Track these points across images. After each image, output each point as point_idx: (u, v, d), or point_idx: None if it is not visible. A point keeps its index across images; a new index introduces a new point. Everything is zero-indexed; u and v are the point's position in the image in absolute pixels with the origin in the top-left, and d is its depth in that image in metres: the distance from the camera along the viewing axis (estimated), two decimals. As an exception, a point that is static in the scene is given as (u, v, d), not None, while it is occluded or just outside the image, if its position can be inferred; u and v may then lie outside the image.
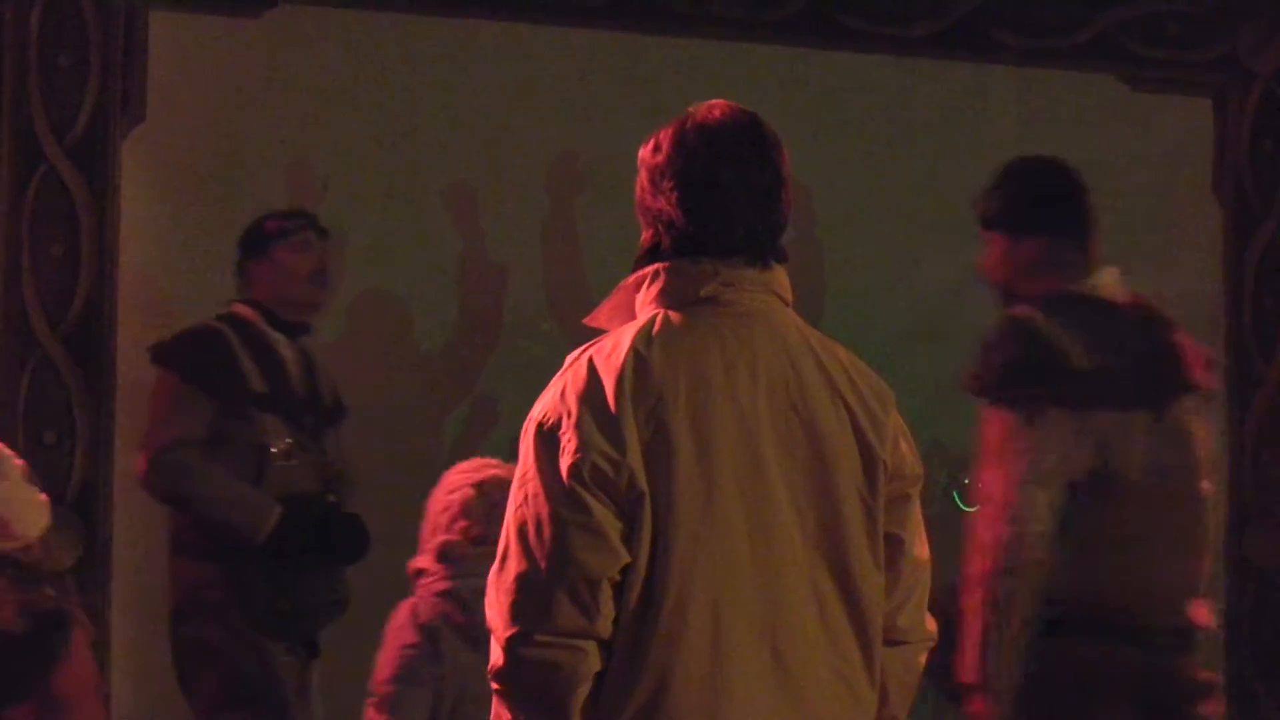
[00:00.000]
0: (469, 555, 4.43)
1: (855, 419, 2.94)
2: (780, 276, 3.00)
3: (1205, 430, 4.39)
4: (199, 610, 5.10)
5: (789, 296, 3.02)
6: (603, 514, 2.78)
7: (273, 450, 5.08)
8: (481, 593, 4.28)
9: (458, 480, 4.53)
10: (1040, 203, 4.39)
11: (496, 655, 2.86)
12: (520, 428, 5.92)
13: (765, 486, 2.86)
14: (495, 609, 2.85)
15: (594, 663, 2.80)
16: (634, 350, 2.83)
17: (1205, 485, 4.36)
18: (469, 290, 6.05)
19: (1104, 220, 6.48)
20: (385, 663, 4.43)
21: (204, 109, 5.74)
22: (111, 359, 5.53)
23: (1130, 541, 4.18)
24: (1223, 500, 6.50)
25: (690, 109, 2.99)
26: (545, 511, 2.79)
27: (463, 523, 4.48)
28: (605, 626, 2.79)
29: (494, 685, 2.88)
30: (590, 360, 2.86)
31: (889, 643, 2.97)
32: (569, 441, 2.79)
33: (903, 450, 3.00)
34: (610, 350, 2.86)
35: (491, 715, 2.92)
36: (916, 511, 3.03)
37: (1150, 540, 4.20)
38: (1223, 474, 6.54)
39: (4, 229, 5.48)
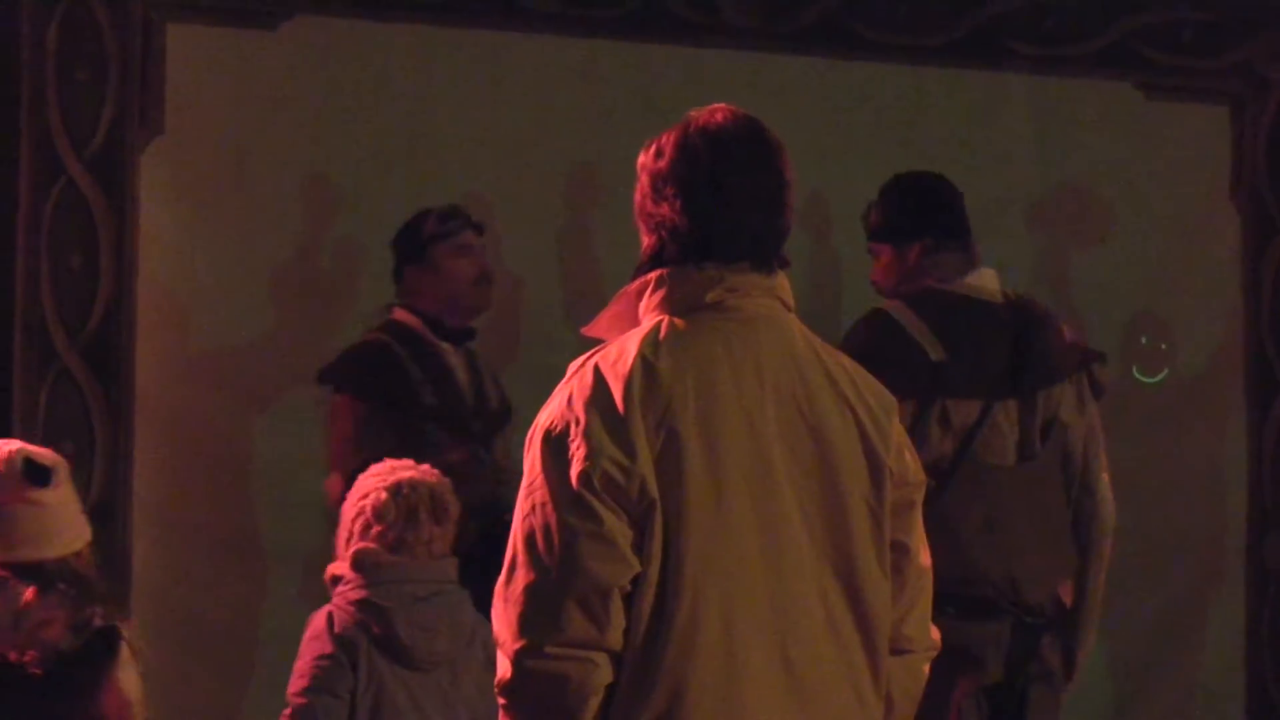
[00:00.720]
0: (385, 563, 4.34)
1: (861, 426, 2.93)
2: (784, 282, 3.00)
3: (1085, 421, 4.56)
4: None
5: (792, 302, 3.02)
6: (613, 522, 2.76)
7: (449, 463, 4.78)
8: (401, 600, 4.31)
9: (371, 484, 4.41)
10: (919, 211, 4.71)
11: (504, 668, 2.82)
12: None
13: (774, 494, 2.85)
14: (503, 621, 2.81)
15: (605, 675, 2.78)
16: (641, 357, 2.83)
17: (1104, 477, 4.63)
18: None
19: (1121, 228, 6.54)
20: (300, 673, 4.34)
21: (222, 121, 5.76)
22: (130, 370, 5.55)
23: (996, 525, 4.38)
24: (1241, 507, 6.51)
25: (692, 114, 3.02)
26: (554, 520, 2.77)
27: (377, 528, 4.37)
28: (616, 638, 2.77)
29: (501, 700, 2.84)
30: (596, 367, 2.85)
31: (894, 651, 2.97)
32: (578, 449, 2.77)
33: (907, 458, 2.99)
34: (616, 357, 2.85)
35: None
36: (920, 519, 3.02)
37: (1016, 524, 4.40)
38: (1241, 481, 6.55)
39: (23, 241, 5.50)
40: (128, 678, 3.09)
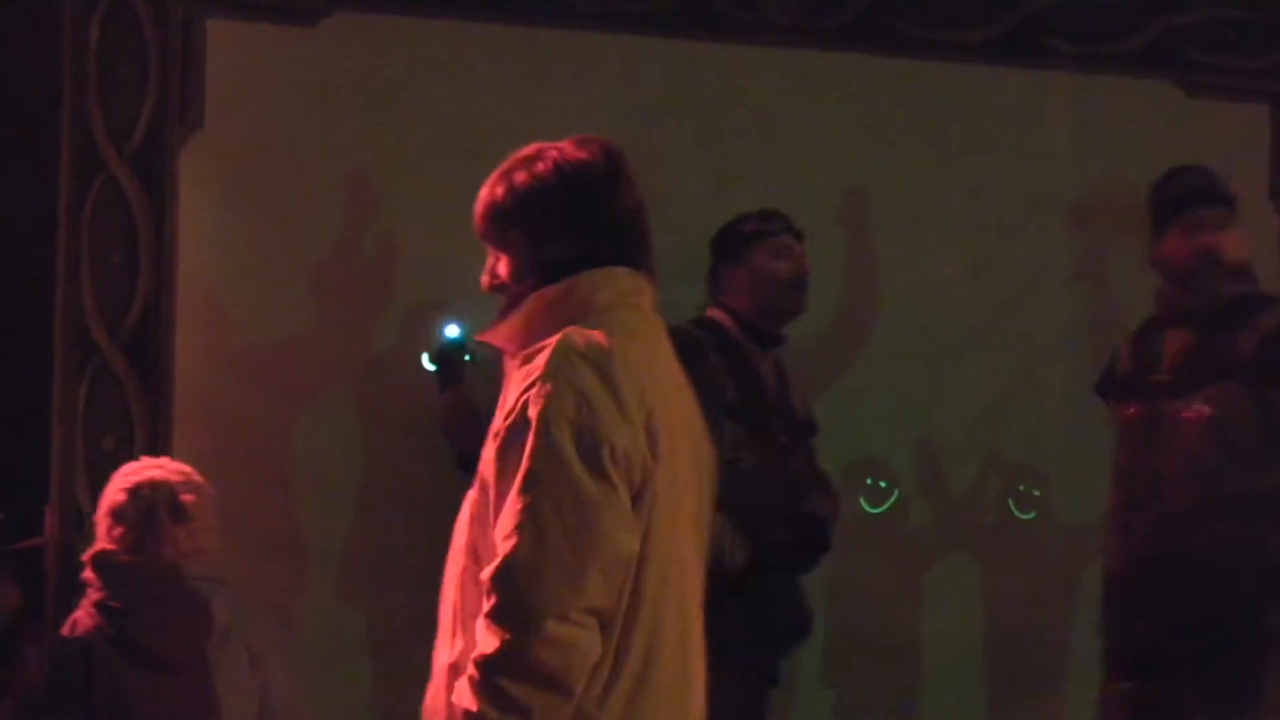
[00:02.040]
0: (121, 564, 4.36)
1: (700, 422, 3.20)
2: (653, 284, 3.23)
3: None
4: None
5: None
6: (626, 495, 2.92)
7: (740, 464, 4.78)
8: (137, 601, 4.29)
9: (115, 484, 4.44)
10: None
11: (498, 640, 2.87)
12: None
13: (689, 475, 3.08)
14: (511, 591, 2.87)
15: (600, 642, 2.92)
16: (614, 344, 2.99)
17: None
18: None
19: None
20: (39, 675, 4.37)
21: (261, 117, 5.77)
22: (169, 366, 5.56)
23: None
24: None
25: (562, 144, 3.18)
26: (577, 493, 2.88)
27: (118, 530, 4.40)
28: (615, 606, 2.93)
29: (483, 675, 2.87)
30: (580, 352, 2.97)
31: None
32: (590, 425, 2.91)
33: None
34: (590, 345, 2.98)
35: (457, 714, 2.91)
36: None
37: None
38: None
39: (64, 237, 5.51)
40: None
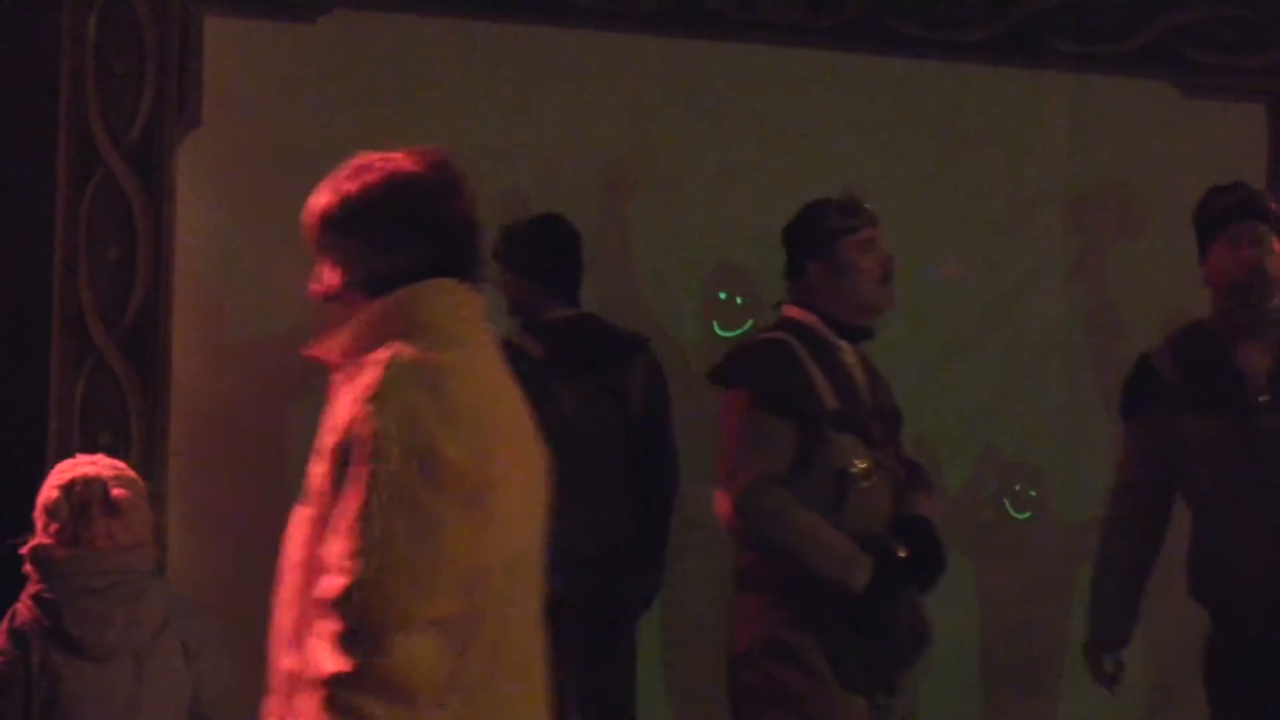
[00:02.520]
0: (57, 557, 4.46)
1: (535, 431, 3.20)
2: (485, 298, 3.21)
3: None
4: (784, 654, 4.57)
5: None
6: (462, 508, 2.92)
7: (852, 472, 4.61)
8: (72, 593, 4.39)
9: (50, 480, 4.56)
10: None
11: (353, 657, 2.87)
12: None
13: (525, 489, 3.11)
14: (357, 610, 2.87)
15: (444, 650, 2.92)
16: (443, 359, 2.98)
17: None
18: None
19: (1158, 226, 6.52)
20: None
21: (259, 113, 5.77)
22: (167, 362, 5.56)
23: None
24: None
25: (394, 154, 3.20)
26: (413, 509, 2.88)
27: (53, 525, 4.50)
28: (455, 615, 2.93)
29: (339, 694, 2.87)
30: (409, 368, 2.96)
31: None
32: (422, 441, 2.90)
33: None
34: (422, 358, 2.97)
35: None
36: None
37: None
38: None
39: (61, 232, 5.51)
40: None
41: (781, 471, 4.52)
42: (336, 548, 2.91)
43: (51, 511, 4.52)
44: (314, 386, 5.60)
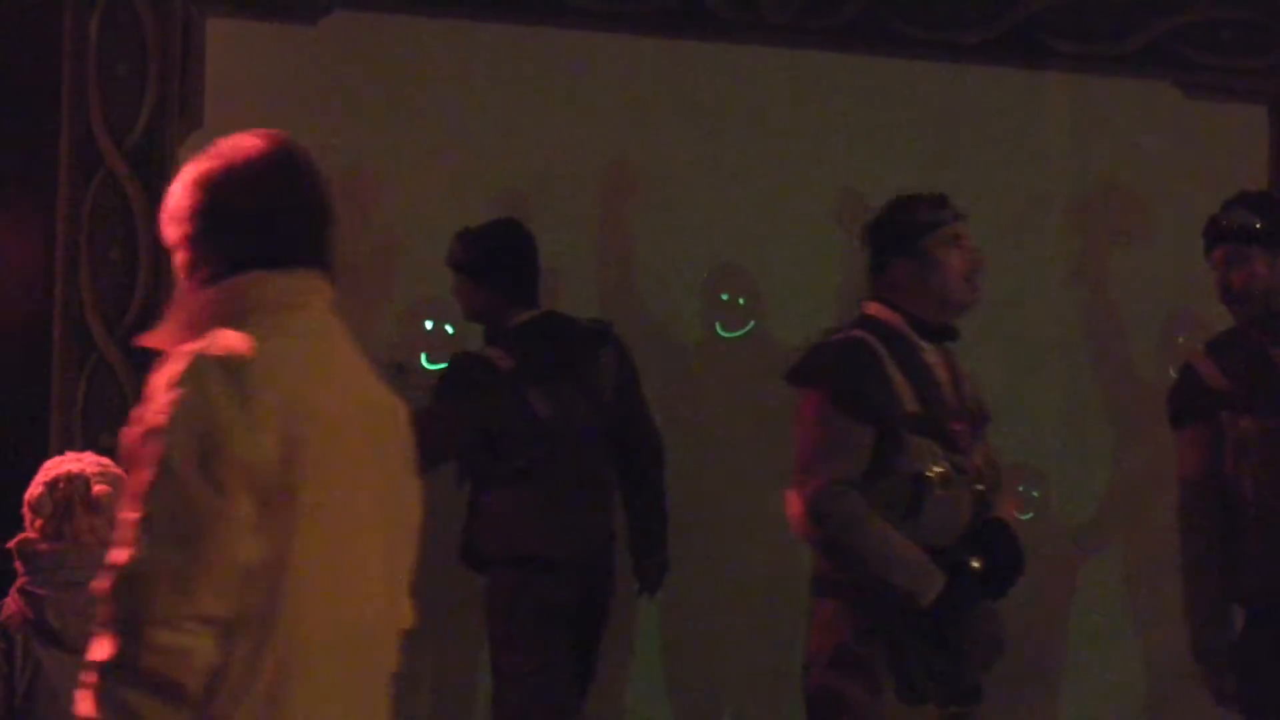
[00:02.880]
0: (42, 551, 4.58)
1: (397, 424, 3.13)
2: (332, 285, 3.14)
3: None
4: (847, 663, 4.43)
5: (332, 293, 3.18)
6: (247, 505, 2.86)
7: (929, 478, 4.41)
8: (55, 587, 4.46)
9: (37, 477, 4.66)
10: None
11: (117, 648, 2.85)
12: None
13: (364, 486, 3.01)
14: (123, 600, 2.85)
15: (219, 650, 2.88)
16: (256, 350, 2.92)
17: None
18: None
19: (1159, 227, 6.52)
20: None
21: (260, 115, 5.72)
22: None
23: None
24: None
25: (231, 140, 3.06)
26: (186, 503, 2.84)
27: (38, 520, 4.62)
28: (234, 613, 2.89)
29: (102, 680, 2.87)
30: (214, 360, 2.90)
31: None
32: (207, 433, 2.85)
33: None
34: (228, 352, 2.91)
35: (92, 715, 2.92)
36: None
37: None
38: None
39: (63, 233, 5.53)
40: None
41: (856, 476, 4.37)
42: (117, 536, 2.89)
43: (36, 507, 4.63)
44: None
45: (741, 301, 6.25)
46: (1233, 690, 5.19)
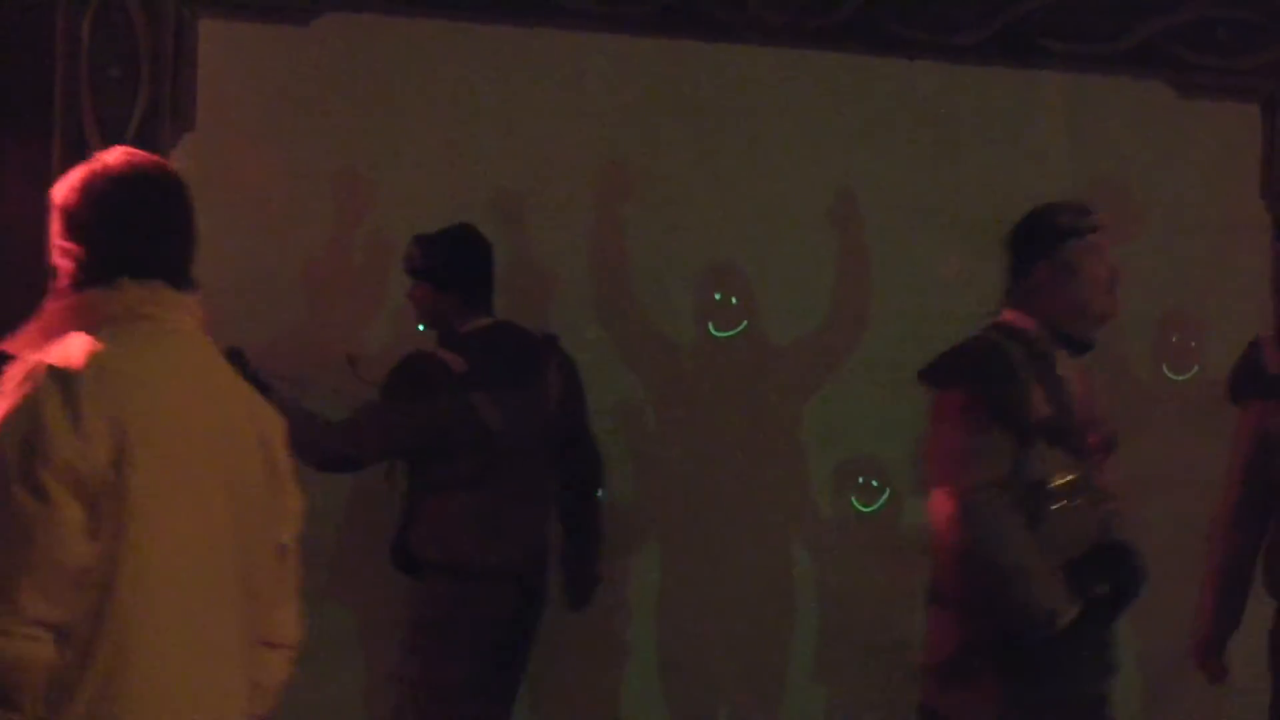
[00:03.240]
0: None
1: (262, 436, 3.21)
2: (196, 300, 3.27)
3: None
4: (963, 675, 4.37)
5: (202, 318, 3.28)
6: (74, 510, 2.92)
7: (1054, 489, 4.34)
8: None
9: None
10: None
11: None
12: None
13: (206, 490, 3.09)
14: None
15: (52, 653, 2.93)
16: (90, 358, 3.00)
17: None
18: (516, 297, 6.07)
19: (1152, 226, 6.53)
20: None
21: (253, 116, 5.78)
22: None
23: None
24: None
25: (101, 157, 3.25)
26: (9, 508, 2.91)
27: None
28: (65, 616, 2.93)
29: None
30: (51, 367, 2.99)
31: (270, 645, 3.26)
32: (33, 439, 2.92)
33: (288, 470, 3.27)
34: (67, 359, 3.01)
35: None
36: (298, 524, 3.30)
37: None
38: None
39: (56, 236, 5.52)
40: None
41: (1001, 480, 4.27)
42: None
43: None
44: (308, 387, 5.66)
45: (734, 301, 6.25)
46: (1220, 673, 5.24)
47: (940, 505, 4.31)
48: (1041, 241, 4.55)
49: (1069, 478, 4.36)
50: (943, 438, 4.39)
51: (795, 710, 6.25)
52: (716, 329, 6.25)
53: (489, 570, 5.36)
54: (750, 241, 6.20)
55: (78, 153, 5.53)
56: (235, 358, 5.45)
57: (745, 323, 6.25)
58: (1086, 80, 6.45)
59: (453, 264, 5.51)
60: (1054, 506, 4.32)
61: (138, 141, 5.58)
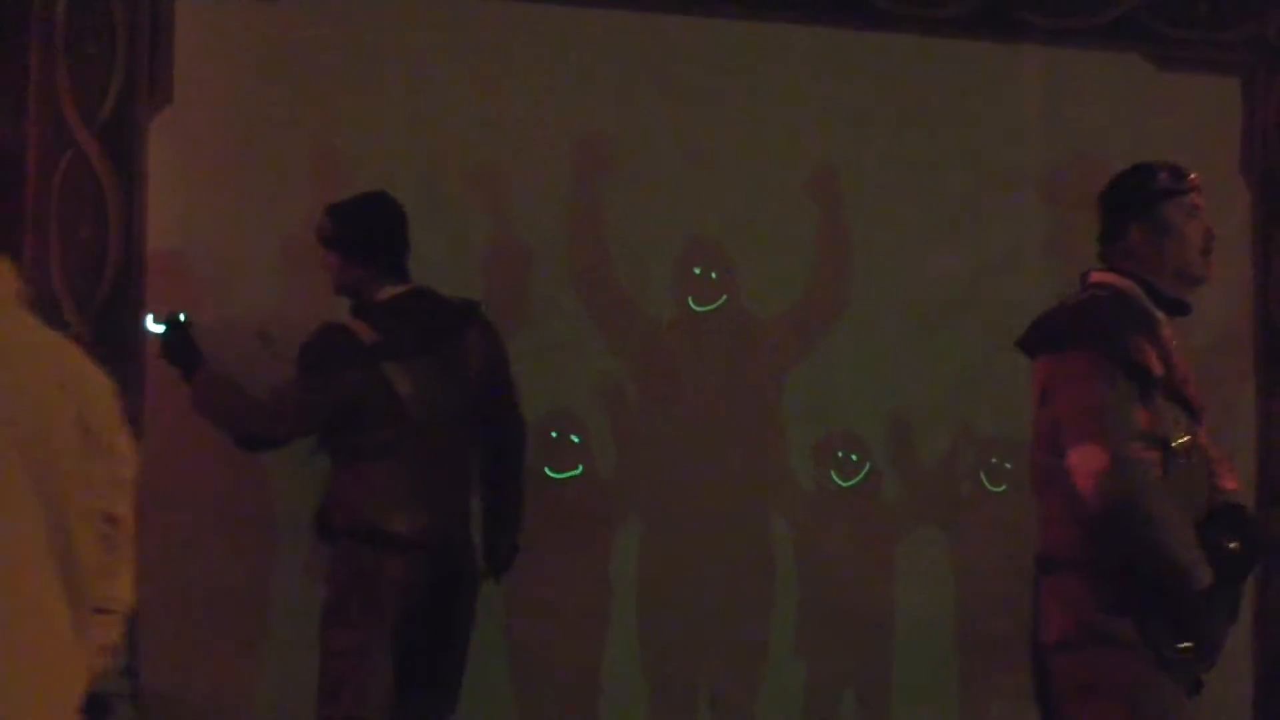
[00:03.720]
0: None
1: (80, 404, 3.17)
2: (7, 267, 3.26)
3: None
4: (1101, 640, 4.24)
5: (17, 286, 3.26)
6: None
7: (1174, 445, 4.23)
8: None
9: None
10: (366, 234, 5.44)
11: None
12: (547, 407, 5.93)
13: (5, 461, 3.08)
14: None
15: None
16: None
17: None
18: (495, 272, 6.06)
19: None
20: None
21: (231, 91, 5.76)
22: (140, 341, 5.55)
23: None
24: (1249, 478, 6.50)
25: None
26: None
27: None
28: None
29: None
30: None
31: (99, 610, 3.25)
32: None
33: (122, 438, 3.26)
34: None
35: None
36: (130, 491, 3.28)
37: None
38: (1250, 453, 6.54)
39: (32, 212, 5.50)
40: None
41: (1144, 436, 4.17)
42: None
43: None
44: (287, 364, 5.66)
45: (714, 276, 6.24)
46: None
47: (1090, 461, 4.16)
48: (1137, 203, 4.43)
49: (1185, 438, 4.27)
50: (1082, 396, 4.23)
51: (776, 684, 6.25)
52: (696, 304, 6.24)
53: (398, 539, 5.32)
54: (730, 216, 6.19)
55: (53, 127, 5.52)
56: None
57: (725, 297, 6.24)
58: (1066, 54, 6.45)
59: (363, 232, 5.45)
60: (1176, 464, 4.23)
61: (114, 117, 5.57)
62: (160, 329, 5.45)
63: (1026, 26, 6.36)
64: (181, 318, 5.46)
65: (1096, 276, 4.44)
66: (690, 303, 6.24)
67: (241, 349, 5.62)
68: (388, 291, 5.45)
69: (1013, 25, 6.35)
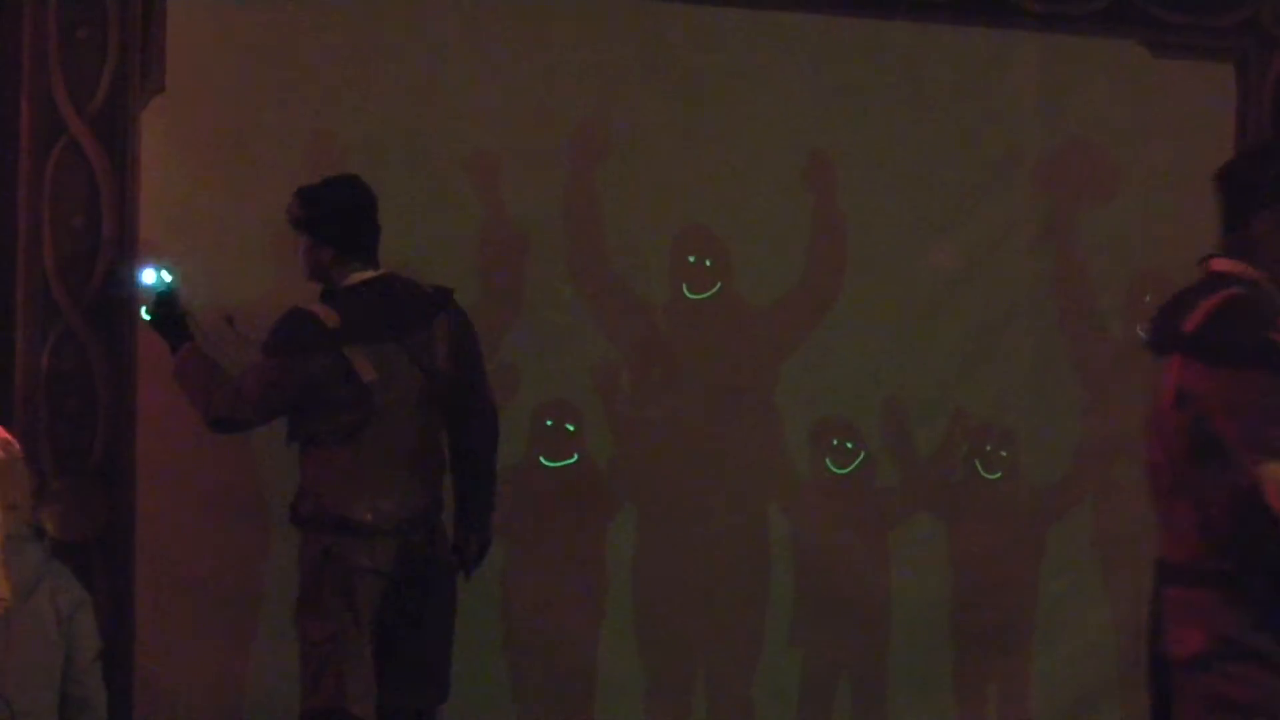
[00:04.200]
0: None
1: None
2: None
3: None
4: (1243, 657, 4.06)
5: None
6: None
7: None
8: None
9: None
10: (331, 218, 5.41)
11: None
12: (542, 396, 5.93)
13: None
14: None
15: None
16: None
17: None
18: (490, 260, 6.05)
19: (1126, 185, 6.52)
20: None
21: (223, 78, 5.74)
22: (133, 329, 5.54)
23: None
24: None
25: None
26: None
27: None
28: None
29: None
30: None
31: None
32: None
33: None
34: None
35: None
36: None
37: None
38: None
39: (25, 200, 5.48)
40: None
41: None
42: None
43: None
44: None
45: (709, 263, 6.23)
46: None
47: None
48: (1263, 189, 4.08)
49: None
50: (1247, 408, 3.93)
51: (770, 670, 6.25)
52: (691, 291, 6.24)
53: (364, 526, 5.30)
54: (725, 203, 6.18)
55: (46, 115, 5.50)
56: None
57: (720, 284, 6.23)
58: (1062, 40, 6.44)
59: (330, 217, 5.42)
60: None
61: (106, 106, 5.55)
62: (150, 292, 5.43)
63: (1022, 13, 6.35)
64: (167, 276, 5.43)
65: (1219, 264, 4.11)
66: (685, 290, 6.24)
67: (229, 336, 5.62)
68: (356, 276, 5.42)
69: (1008, 11, 6.34)
